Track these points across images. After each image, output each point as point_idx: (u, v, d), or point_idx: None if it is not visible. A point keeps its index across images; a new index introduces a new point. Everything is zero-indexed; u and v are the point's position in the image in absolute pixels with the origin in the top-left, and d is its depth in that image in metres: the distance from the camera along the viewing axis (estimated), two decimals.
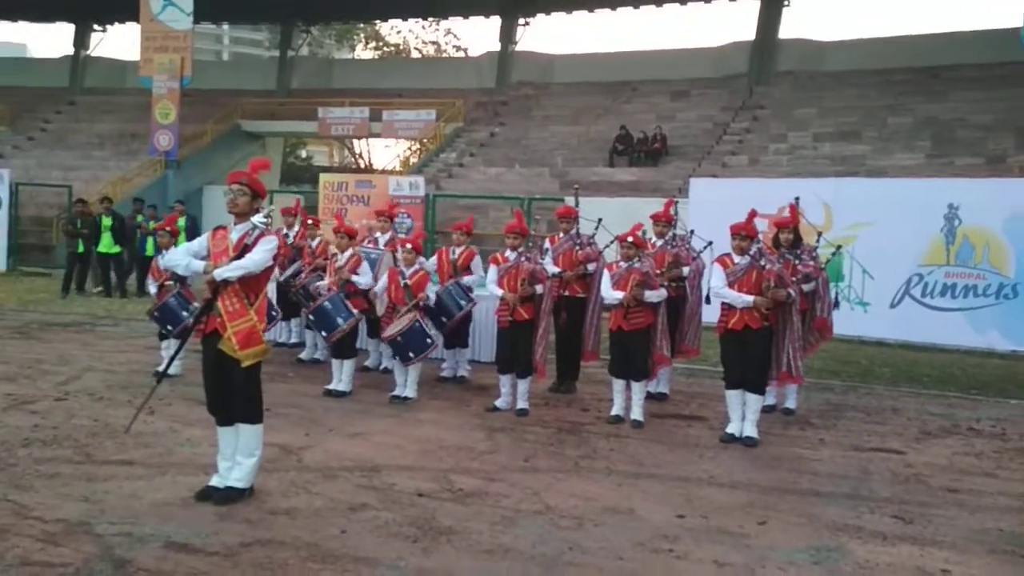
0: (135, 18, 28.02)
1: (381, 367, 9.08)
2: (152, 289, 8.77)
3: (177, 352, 5.72)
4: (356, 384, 8.05)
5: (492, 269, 7.50)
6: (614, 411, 7.22)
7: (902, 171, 19.57)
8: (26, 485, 5.05)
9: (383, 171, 31.95)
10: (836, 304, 7.90)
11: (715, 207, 12.17)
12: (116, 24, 35.61)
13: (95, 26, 35.39)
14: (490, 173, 24.78)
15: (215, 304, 4.82)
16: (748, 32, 28.47)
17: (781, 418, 7.55)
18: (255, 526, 4.56)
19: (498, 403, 7.50)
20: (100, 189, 24.30)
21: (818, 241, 8.01)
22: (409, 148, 45.06)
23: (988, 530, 4.89)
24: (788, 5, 28.13)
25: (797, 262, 7.33)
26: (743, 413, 6.67)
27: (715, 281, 6.64)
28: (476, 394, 8.19)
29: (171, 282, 8.42)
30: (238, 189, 4.88)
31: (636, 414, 7.10)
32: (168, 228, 8.62)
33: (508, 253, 7.49)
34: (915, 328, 13.01)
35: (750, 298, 6.45)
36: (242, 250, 4.81)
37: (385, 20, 38.30)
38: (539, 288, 7.28)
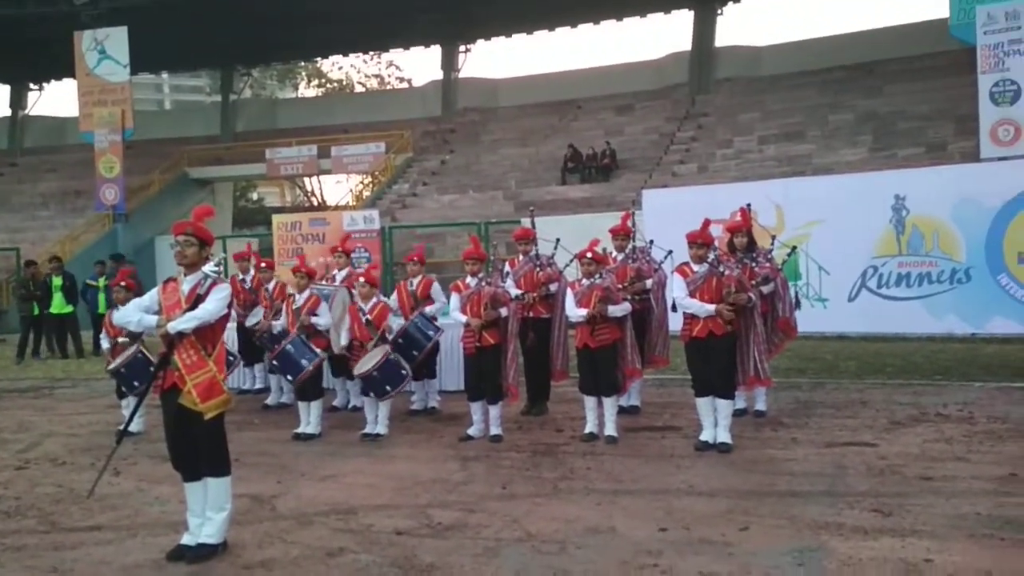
0: (71, 74, 27.70)
1: (349, 405, 8.97)
2: (105, 345, 8.58)
3: (136, 410, 5.58)
4: (325, 425, 7.93)
5: (454, 297, 7.46)
6: (587, 428, 7.19)
7: (847, 167, 19.97)
8: None
9: (336, 207, 31.77)
10: (797, 304, 7.97)
11: (668, 216, 12.31)
12: (52, 81, 35.12)
13: (31, 85, 34.88)
14: (444, 200, 24.79)
15: (172, 358, 4.71)
16: (685, 43, 28.90)
17: (753, 421, 7.59)
18: None
19: (471, 431, 7.44)
20: (48, 249, 23.86)
21: (772, 244, 8.09)
22: (361, 182, 45.06)
23: (965, 515, 4.92)
24: (721, 14, 28.68)
25: (754, 265, 7.40)
26: (715, 419, 6.68)
27: (676, 291, 6.67)
28: (448, 424, 8.12)
29: (125, 339, 8.25)
30: (184, 240, 4.80)
31: (609, 430, 7.08)
32: (123, 283, 8.42)
33: (468, 279, 7.46)
34: (874, 319, 13.17)
35: (711, 307, 6.48)
36: (195, 301, 4.71)
37: (326, 57, 38.28)
38: (503, 311, 7.25)
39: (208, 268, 4.75)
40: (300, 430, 7.74)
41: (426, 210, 24.24)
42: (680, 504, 5.36)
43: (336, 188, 72.19)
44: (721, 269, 6.57)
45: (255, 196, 48.29)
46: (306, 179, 42.11)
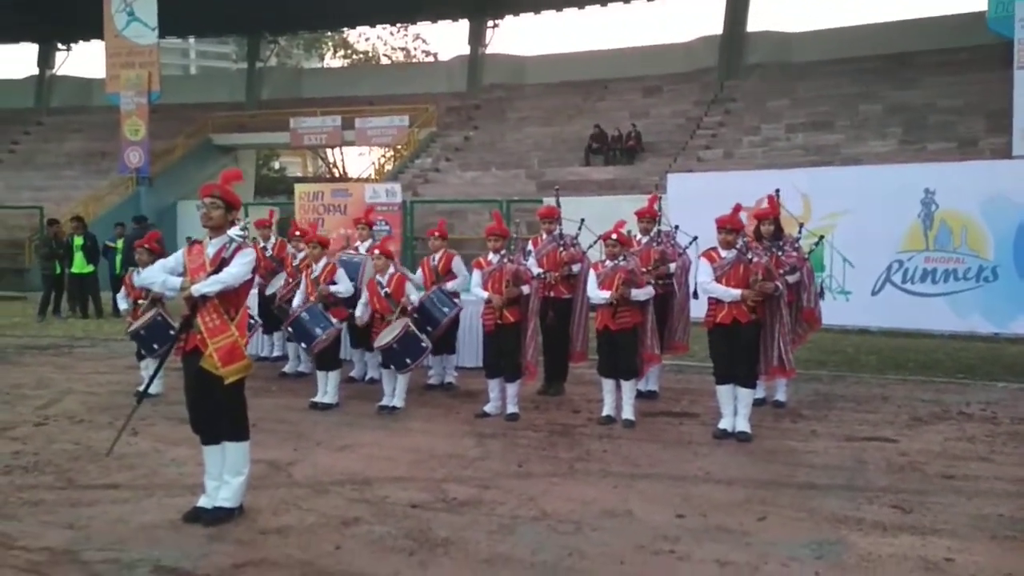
0: (99, 35, 27.72)
1: (367, 377, 8.97)
2: (124, 306, 8.59)
3: (157, 371, 5.59)
4: (342, 396, 7.92)
5: (476, 273, 7.42)
6: (605, 411, 7.14)
7: (876, 158, 19.69)
8: (8, 514, 4.90)
9: (358, 179, 31.68)
10: (821, 294, 7.88)
11: (693, 201, 12.15)
12: (80, 42, 35.25)
13: (59, 45, 35.04)
14: (466, 177, 24.70)
15: (194, 321, 4.70)
16: (716, 26, 28.60)
17: (772, 411, 7.52)
18: (246, 546, 4.44)
19: (487, 408, 7.41)
20: (72, 209, 23.92)
21: (800, 232, 7.99)
22: (383, 155, 45.00)
23: (987, 516, 4.85)
24: None
25: (780, 253, 7.30)
26: (735, 408, 6.62)
27: (702, 276, 6.59)
28: (464, 401, 8.10)
29: (144, 300, 8.26)
30: (211, 202, 4.77)
31: (627, 413, 7.03)
32: (147, 245, 8.42)
33: (490, 256, 7.41)
34: (897, 315, 12.98)
35: (737, 292, 6.40)
36: (219, 264, 4.69)
37: (353, 27, 38.22)
38: (525, 288, 7.20)
39: (234, 232, 4.72)
40: (317, 399, 7.74)
41: (448, 186, 24.16)
42: (698, 491, 5.32)
43: (358, 160, 72.24)
44: (749, 256, 6.48)
45: (277, 165, 48.35)
46: (328, 150, 42.15)
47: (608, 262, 7.07)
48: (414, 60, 43.33)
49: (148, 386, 5.38)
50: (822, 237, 7.94)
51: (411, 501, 5.11)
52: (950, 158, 18.85)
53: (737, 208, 6.67)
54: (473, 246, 19.28)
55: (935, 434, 6.74)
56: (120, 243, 15.26)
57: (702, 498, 5.17)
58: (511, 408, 7.31)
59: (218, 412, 4.75)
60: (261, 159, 40.85)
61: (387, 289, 7.50)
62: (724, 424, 6.64)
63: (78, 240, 15.57)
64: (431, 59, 42.61)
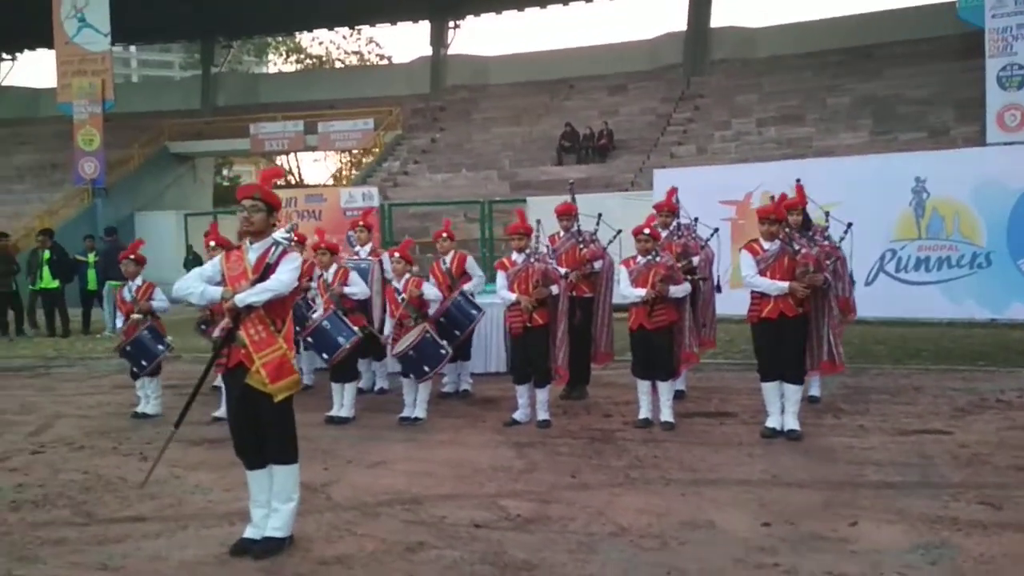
0: (46, 44, 26.82)
1: (376, 388, 8.55)
2: (118, 323, 8.08)
3: (192, 401, 4.87)
4: (357, 408, 7.49)
5: (500, 275, 7.04)
6: (641, 414, 6.82)
7: (848, 150, 19.74)
8: (30, 556, 4.40)
9: (332, 185, 30.98)
10: (854, 282, 7.67)
11: (679, 197, 11.94)
12: (25, 51, 33.99)
13: (4, 55, 33.72)
14: (436, 179, 24.29)
15: (238, 334, 4.26)
16: (679, 23, 28.59)
17: (807, 406, 7.23)
18: None
19: (516, 416, 7.04)
20: (26, 224, 23.08)
21: (827, 220, 7.76)
22: (340, 160, 44.24)
23: None
24: None
25: (813, 244, 7.05)
26: (782, 406, 6.35)
27: (746, 269, 6.31)
28: (486, 408, 7.74)
29: (138, 315, 7.76)
30: (252, 205, 4.33)
31: (666, 415, 6.73)
32: (132, 256, 7.90)
33: (514, 256, 7.05)
34: (892, 304, 12.92)
35: (785, 284, 6.13)
36: (263, 271, 4.27)
37: (310, 31, 37.39)
38: (554, 288, 6.85)
39: (279, 234, 4.30)
40: (333, 413, 7.31)
41: (419, 188, 23.71)
42: (771, 496, 5.02)
43: (314, 167, 71.22)
44: (795, 247, 6.22)
45: (228, 173, 47.21)
46: (283, 157, 41.30)
47: (640, 258, 6.76)
48: (368, 63, 42.71)
49: (184, 414, 4.74)
50: (851, 224, 7.72)
51: (472, 520, 4.73)
52: (923, 148, 18.97)
53: (782, 198, 6.45)
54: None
55: (984, 424, 6.55)
56: (91, 256, 14.57)
57: (780, 503, 4.88)
58: (542, 415, 6.95)
59: (266, 433, 4.32)
60: (214, 168, 39.85)
61: (404, 295, 7.10)
62: (772, 423, 6.37)
63: (45, 254, 14.79)
64: (386, 62, 42.10)
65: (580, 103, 27.14)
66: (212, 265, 4.44)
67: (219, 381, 8.07)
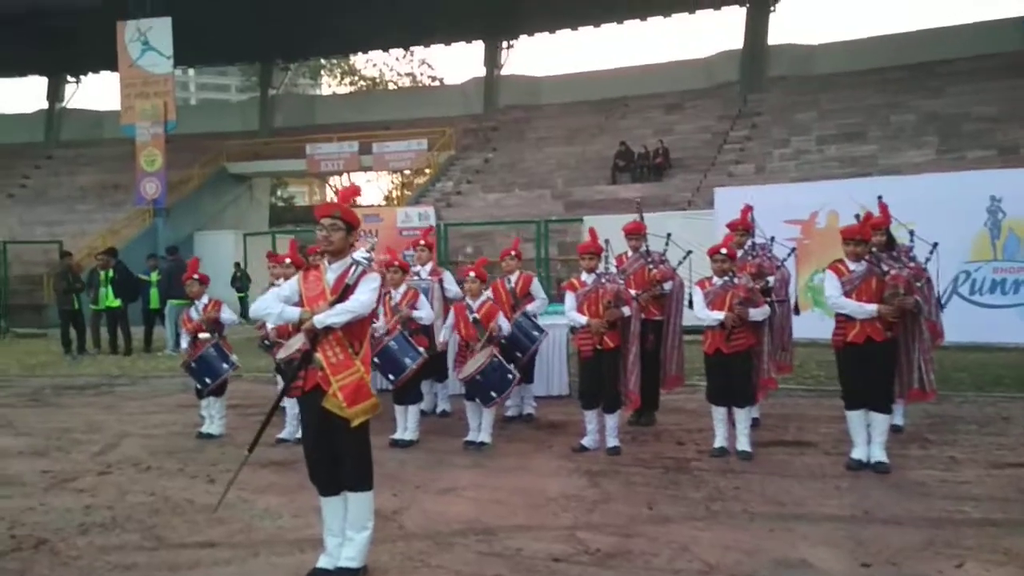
0: (109, 67, 27.40)
1: (438, 410, 8.41)
2: (184, 343, 8.06)
3: (267, 424, 4.68)
4: (420, 431, 7.35)
5: (569, 296, 6.85)
6: (717, 443, 6.56)
7: (914, 168, 19.22)
8: None
9: (387, 204, 31.17)
10: (941, 305, 7.33)
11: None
12: (90, 74, 34.92)
13: (68, 77, 34.66)
14: (490, 199, 24.24)
15: (315, 356, 4.14)
16: (736, 40, 28.27)
17: (892, 436, 6.88)
18: None
19: (585, 442, 6.83)
20: (89, 243, 23.54)
21: (912, 240, 7.44)
22: (392, 181, 44.55)
23: None
24: (774, 10, 27.99)
25: (899, 266, 6.74)
26: (868, 436, 6.05)
27: (830, 290, 6.04)
28: (552, 433, 7.54)
29: (206, 334, 7.75)
30: (331, 223, 4.21)
31: (743, 444, 6.46)
32: (196, 276, 7.89)
33: (583, 276, 6.86)
34: (966, 328, 12.39)
35: (873, 307, 5.85)
36: (342, 291, 4.15)
37: (366, 52, 37.90)
38: (626, 310, 6.64)
39: (359, 254, 4.18)
40: (397, 436, 7.17)
41: (473, 208, 23.67)
42: (866, 534, 4.73)
43: (367, 187, 71.88)
44: (883, 268, 5.95)
45: (283, 194, 47.87)
46: (336, 178, 41.70)
47: (716, 279, 6.53)
48: (420, 84, 43.03)
49: (257, 440, 4.56)
50: (936, 245, 7.39)
51: (551, 554, 4.53)
52: (993, 165, 18.41)
53: (867, 217, 6.17)
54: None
55: None
56: (154, 275, 14.73)
57: (877, 542, 4.59)
58: (611, 441, 6.73)
59: (341, 459, 4.19)
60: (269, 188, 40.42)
61: (476, 315, 6.95)
62: (858, 454, 6.06)
63: (108, 273, 14.98)
64: (437, 83, 42.38)
65: (634, 122, 26.95)
66: (289, 286, 4.33)
67: (284, 402, 8.19)
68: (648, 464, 6.38)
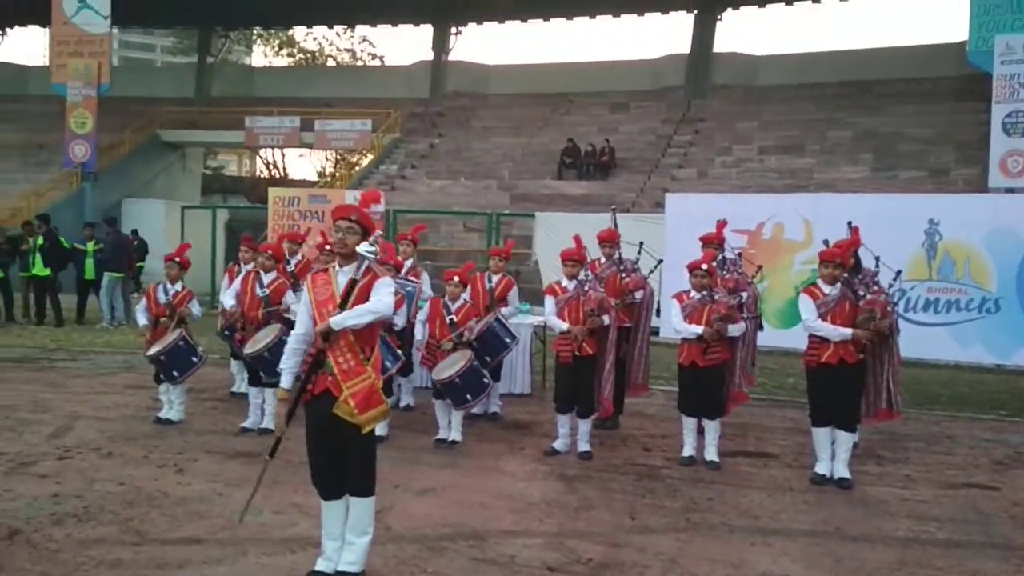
0: (39, 21, 26.30)
1: (402, 405, 8.37)
2: (142, 321, 7.78)
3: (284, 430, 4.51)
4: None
5: (549, 300, 6.91)
6: (686, 452, 6.72)
7: (849, 184, 19.90)
8: None
9: (330, 183, 30.59)
10: (898, 329, 7.63)
11: (691, 223, 11.82)
12: (16, 27, 33.30)
13: None
14: (435, 186, 24.12)
15: (326, 360, 4.10)
16: (683, 45, 28.67)
17: None
18: None
19: (556, 445, 6.91)
20: (11, 204, 22.57)
21: (877, 266, 7.71)
22: (326, 158, 43.74)
23: None
24: (721, 19, 28.46)
25: (865, 291, 6.99)
26: (832, 452, 6.29)
27: (806, 313, 6.24)
28: (520, 433, 7.62)
29: (167, 319, 7.54)
30: (348, 227, 4.16)
31: (711, 455, 6.63)
32: (177, 259, 7.64)
33: (564, 282, 6.92)
34: (900, 344, 12.96)
35: (849, 331, 6.07)
36: (348, 288, 4.11)
37: (310, 26, 37.06)
38: (605, 319, 6.73)
39: (364, 248, 4.10)
40: None
41: (416, 194, 23.51)
42: (842, 551, 4.92)
43: (299, 162, 70.34)
44: (859, 292, 6.17)
45: (213, 163, 46.54)
46: (269, 150, 40.77)
47: (694, 293, 6.67)
48: (361, 63, 42.37)
49: (277, 445, 4.47)
50: (900, 272, 7.68)
51: (544, 562, 4.59)
52: (924, 186, 19.22)
53: (855, 230, 6.40)
54: (446, 258, 18.72)
55: None
56: (91, 246, 14.21)
57: (852, 559, 4.79)
58: (583, 446, 6.83)
59: (348, 464, 4.16)
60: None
61: (454, 316, 6.95)
62: (821, 469, 6.29)
63: (37, 240, 14.38)
64: (377, 63, 41.81)
65: (580, 118, 27.13)
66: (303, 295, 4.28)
67: (244, 388, 8.03)
68: (620, 470, 6.50)
